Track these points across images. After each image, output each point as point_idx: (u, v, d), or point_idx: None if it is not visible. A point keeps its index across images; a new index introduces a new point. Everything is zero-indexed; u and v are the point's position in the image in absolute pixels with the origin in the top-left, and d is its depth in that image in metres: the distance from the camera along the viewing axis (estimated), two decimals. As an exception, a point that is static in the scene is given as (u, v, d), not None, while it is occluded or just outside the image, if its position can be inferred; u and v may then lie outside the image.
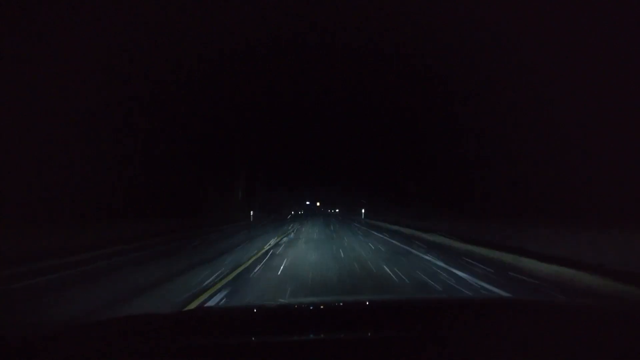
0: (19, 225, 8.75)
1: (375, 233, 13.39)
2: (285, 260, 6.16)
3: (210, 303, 3.46)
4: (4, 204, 9.16)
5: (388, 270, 5.23)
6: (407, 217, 19.16)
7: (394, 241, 9.91)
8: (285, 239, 10.48)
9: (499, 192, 14.17)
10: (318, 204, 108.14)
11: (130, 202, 13.36)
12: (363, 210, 33.00)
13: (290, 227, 17.15)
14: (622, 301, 3.60)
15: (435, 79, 22.83)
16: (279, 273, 5.03)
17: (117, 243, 7.92)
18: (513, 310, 1.35)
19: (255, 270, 5.20)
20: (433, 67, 23.01)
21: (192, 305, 3.35)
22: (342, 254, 7.10)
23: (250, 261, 6.06)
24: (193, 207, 18.82)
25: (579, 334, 0.97)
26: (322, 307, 1.56)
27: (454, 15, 18.95)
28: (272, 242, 9.54)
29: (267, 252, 7.37)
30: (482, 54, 16.97)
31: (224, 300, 3.61)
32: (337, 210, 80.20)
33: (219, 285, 4.16)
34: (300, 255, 6.87)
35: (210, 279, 4.50)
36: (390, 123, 30.23)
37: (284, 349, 0.89)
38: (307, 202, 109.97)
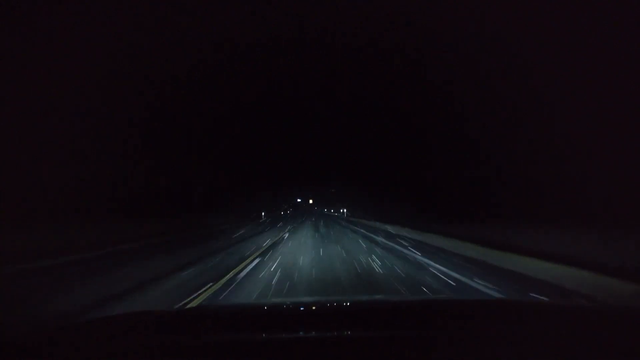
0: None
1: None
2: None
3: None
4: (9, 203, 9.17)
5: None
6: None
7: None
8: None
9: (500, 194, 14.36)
10: (311, 201, 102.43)
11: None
12: None
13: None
14: (615, 302, 3.68)
15: (435, 78, 22.88)
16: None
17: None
18: (507, 311, 1.37)
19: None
20: (432, 65, 22.99)
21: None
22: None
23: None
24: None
25: (573, 334, 0.97)
26: (314, 307, 1.59)
27: (454, 15, 18.92)
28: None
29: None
30: (483, 54, 16.76)
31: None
32: (343, 211, 58.79)
33: None
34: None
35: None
36: (389, 118, 30.33)
37: (277, 347, 0.91)
38: (298, 200, 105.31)
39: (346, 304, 1.66)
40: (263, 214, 35.10)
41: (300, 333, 1.10)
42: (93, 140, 13.44)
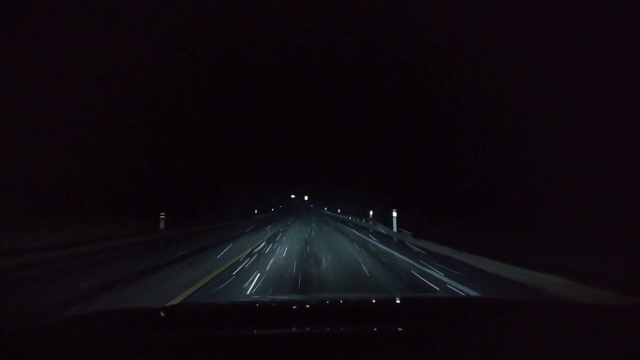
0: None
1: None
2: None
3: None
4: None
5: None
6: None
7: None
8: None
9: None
10: (306, 197, 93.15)
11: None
12: None
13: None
14: (607, 301, 3.52)
15: (433, 78, 22.29)
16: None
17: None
18: (499, 308, 1.36)
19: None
20: (431, 66, 22.14)
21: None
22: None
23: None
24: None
25: (561, 333, 0.95)
26: (307, 305, 1.57)
27: (455, 16, 18.20)
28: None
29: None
30: (486, 57, 16.18)
31: None
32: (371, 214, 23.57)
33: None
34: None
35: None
36: (392, 117, 29.66)
37: (265, 343, 0.91)
38: (292, 196, 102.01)
39: (338, 302, 1.70)
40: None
41: (293, 329, 1.09)
42: (90, 139, 13.02)
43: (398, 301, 1.70)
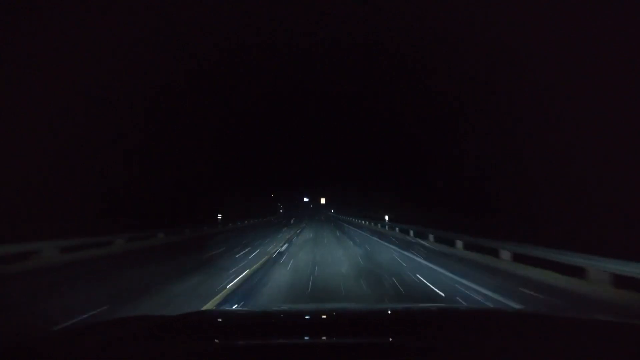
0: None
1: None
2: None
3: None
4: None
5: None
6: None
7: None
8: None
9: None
10: (323, 200, 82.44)
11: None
12: None
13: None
14: (629, 317, 3.35)
15: (440, 83, 23.58)
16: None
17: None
18: (516, 322, 1.34)
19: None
20: (436, 68, 24.07)
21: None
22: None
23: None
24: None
25: (582, 348, 0.94)
26: (323, 315, 1.58)
27: (454, 18, 19.40)
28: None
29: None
30: (484, 57, 17.46)
31: None
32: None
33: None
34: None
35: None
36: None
37: (282, 352, 0.90)
38: (306, 199, 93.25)
39: (354, 312, 1.72)
40: None
41: (306, 339, 1.09)
42: (92, 143, 13.40)
43: (407, 313, 1.67)
